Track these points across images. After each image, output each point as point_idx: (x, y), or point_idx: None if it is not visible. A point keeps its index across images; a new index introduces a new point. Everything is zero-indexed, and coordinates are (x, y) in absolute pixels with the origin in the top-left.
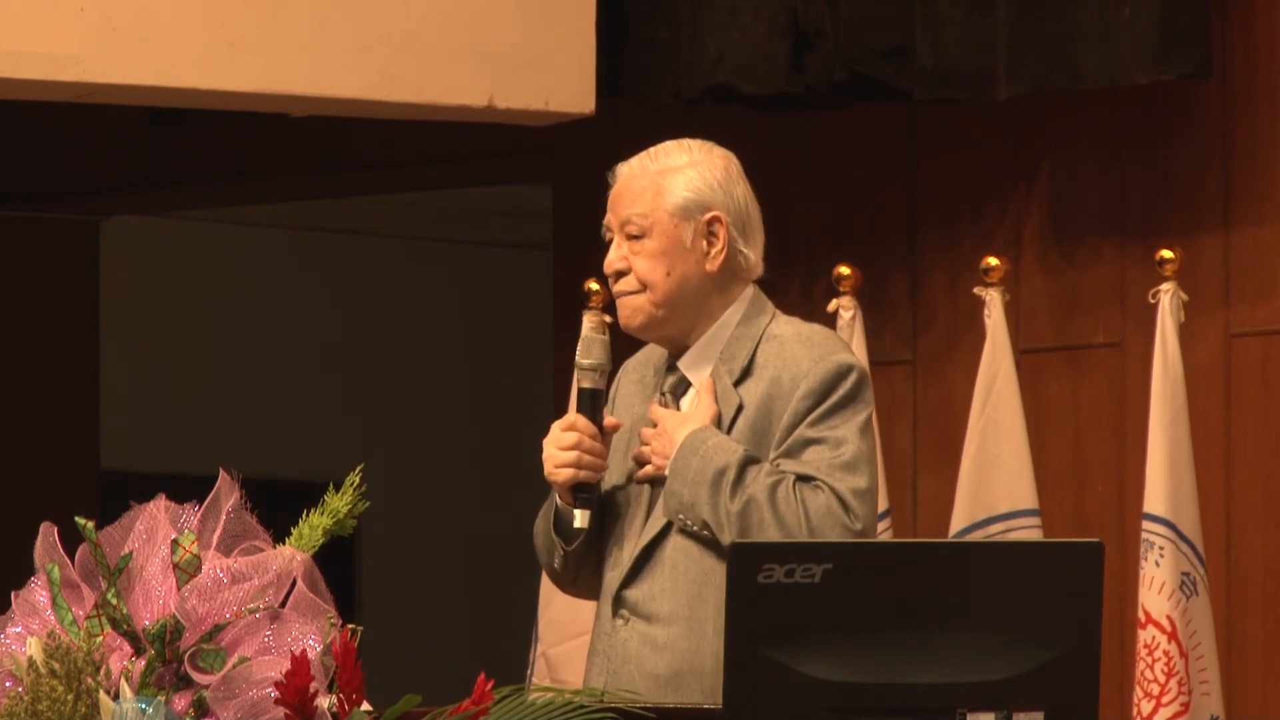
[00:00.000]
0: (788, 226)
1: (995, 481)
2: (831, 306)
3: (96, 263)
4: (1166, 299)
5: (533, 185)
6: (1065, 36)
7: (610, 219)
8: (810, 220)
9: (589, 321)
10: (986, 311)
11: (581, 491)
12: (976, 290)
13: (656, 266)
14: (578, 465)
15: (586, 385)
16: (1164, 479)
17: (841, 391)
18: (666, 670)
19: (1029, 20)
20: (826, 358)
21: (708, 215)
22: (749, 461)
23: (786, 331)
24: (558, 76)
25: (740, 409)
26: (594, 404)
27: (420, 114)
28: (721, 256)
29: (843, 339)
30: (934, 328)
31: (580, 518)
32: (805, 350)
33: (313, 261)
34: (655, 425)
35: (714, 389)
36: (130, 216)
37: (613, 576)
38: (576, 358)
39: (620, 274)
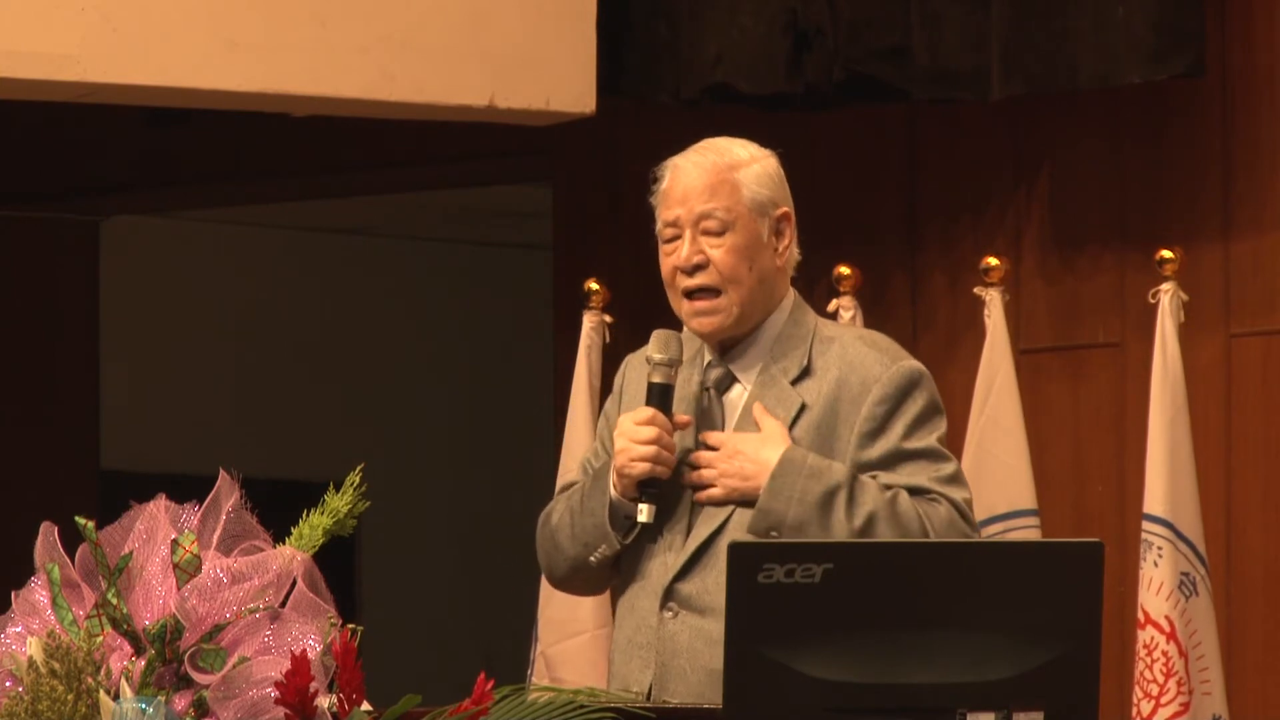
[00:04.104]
0: None
1: (995, 482)
2: (831, 306)
3: (96, 263)
4: (1166, 299)
5: (533, 185)
6: (1060, 36)
7: (679, 214)
8: (810, 220)
9: (588, 322)
10: (986, 311)
11: (650, 487)
12: (976, 290)
13: (741, 261)
14: (655, 460)
15: (658, 380)
16: (1164, 479)
17: (922, 402)
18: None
19: (1025, 20)
20: (897, 362)
21: (779, 211)
22: (855, 478)
23: (844, 333)
24: (558, 76)
25: (803, 409)
26: (664, 399)
27: (420, 114)
28: (786, 253)
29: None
30: (934, 328)
31: (646, 512)
32: (872, 353)
33: (313, 261)
34: (711, 447)
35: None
36: (130, 216)
37: (657, 569)
38: (649, 352)
39: (699, 268)
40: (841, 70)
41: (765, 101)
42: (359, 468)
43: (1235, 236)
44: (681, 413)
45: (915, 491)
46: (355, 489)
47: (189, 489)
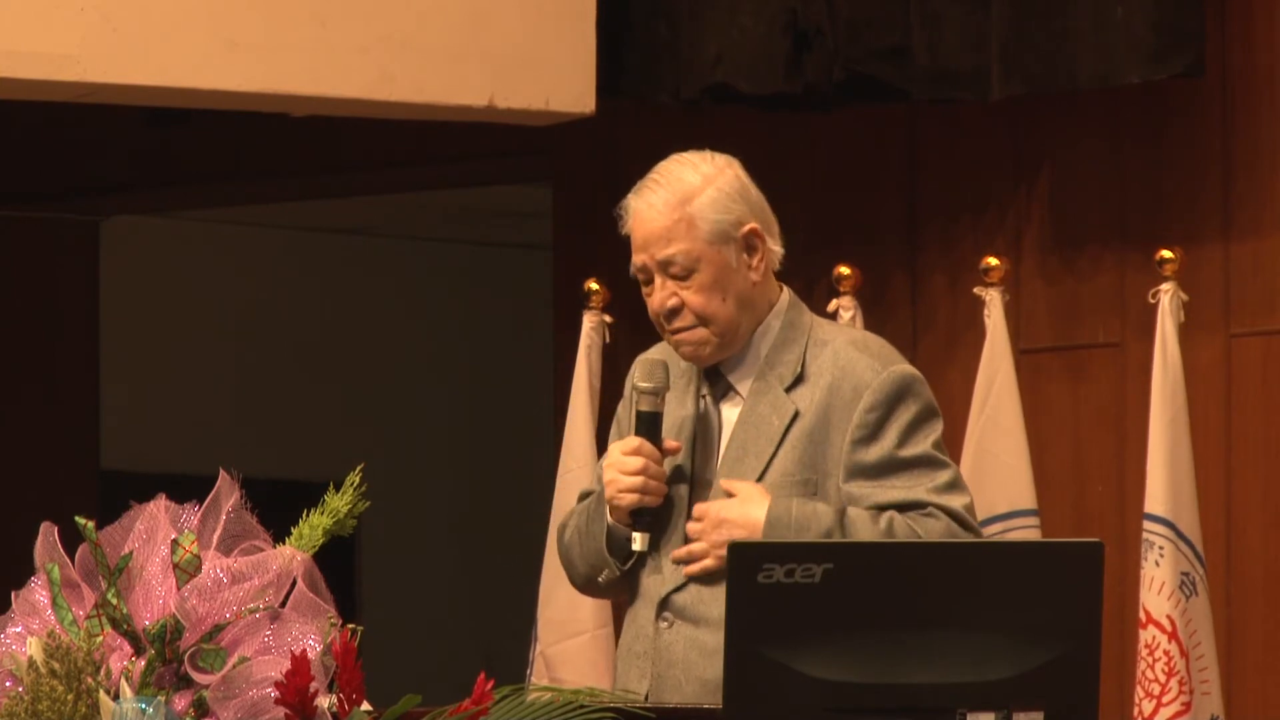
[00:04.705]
0: (788, 226)
1: (995, 482)
2: (831, 306)
3: (96, 263)
4: (1166, 299)
5: (533, 185)
6: (1060, 36)
7: (645, 260)
8: (810, 220)
9: (588, 322)
10: (986, 312)
11: (642, 515)
12: (976, 290)
13: (712, 298)
14: (643, 490)
15: (646, 409)
16: (1164, 479)
17: (915, 407)
18: (717, 676)
19: (1025, 20)
20: (888, 367)
21: (744, 230)
22: (844, 515)
23: (838, 336)
24: (558, 76)
25: (796, 416)
26: (653, 427)
27: (420, 114)
28: (763, 264)
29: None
30: (934, 328)
31: (640, 540)
32: (864, 358)
33: (313, 261)
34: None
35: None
36: (130, 216)
37: (655, 581)
38: (635, 380)
39: (674, 311)
40: (841, 70)
41: (765, 101)
42: (359, 468)
43: (1235, 236)
44: (683, 423)
45: (911, 506)
46: (355, 489)
47: (189, 489)
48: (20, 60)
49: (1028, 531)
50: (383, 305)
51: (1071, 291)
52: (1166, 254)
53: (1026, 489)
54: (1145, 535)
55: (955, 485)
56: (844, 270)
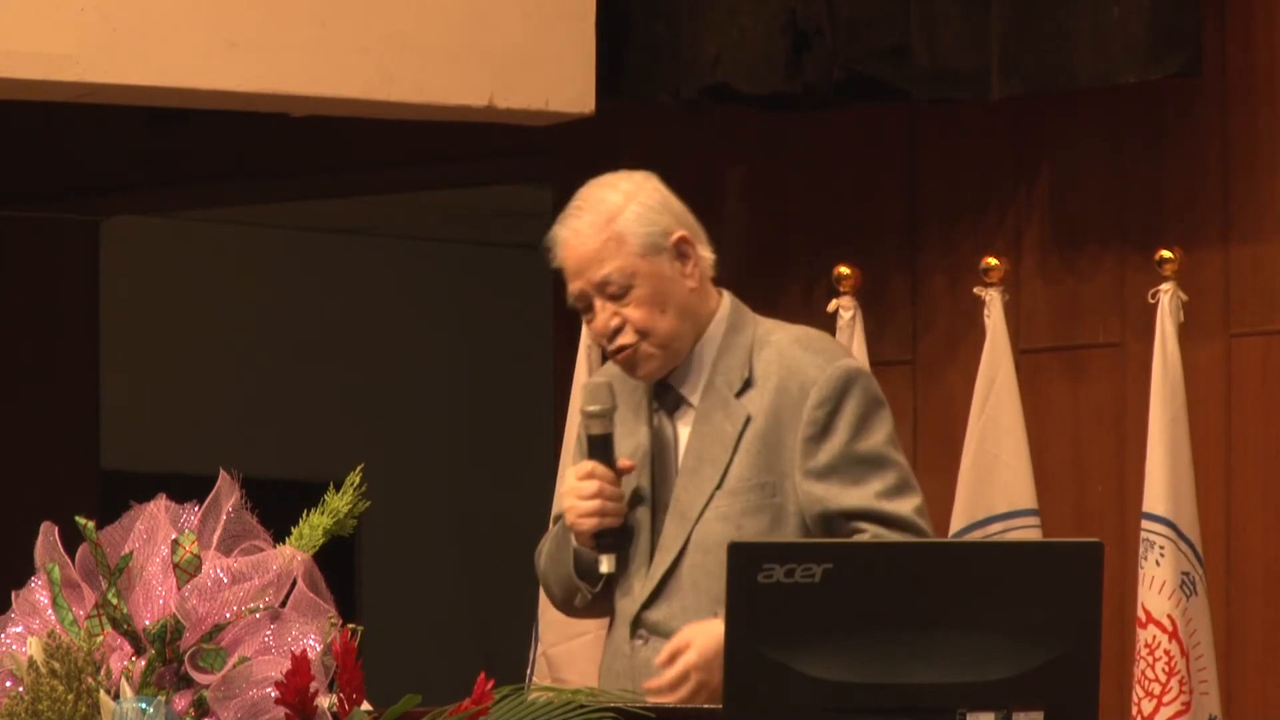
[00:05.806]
0: (788, 226)
1: (995, 481)
2: (831, 306)
3: (96, 263)
4: (1166, 299)
5: (533, 185)
6: (1057, 36)
7: (581, 286)
8: (810, 220)
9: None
10: (986, 312)
11: (605, 537)
12: (976, 290)
13: (652, 311)
14: (601, 513)
15: (596, 431)
16: (1164, 478)
17: (862, 400)
18: None
19: (1023, 20)
20: (832, 363)
21: (673, 238)
22: None
23: (780, 337)
24: (558, 76)
25: (749, 420)
26: (605, 449)
27: (420, 114)
28: (697, 271)
29: (837, 340)
30: (934, 328)
31: (606, 563)
32: (807, 356)
33: (313, 261)
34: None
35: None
36: (130, 216)
37: (627, 602)
38: (582, 405)
39: (618, 330)
40: (841, 70)
41: (765, 101)
42: (359, 468)
43: (1235, 237)
44: (638, 441)
45: (860, 515)
46: (355, 489)
47: (189, 489)
48: (20, 60)
49: (1028, 531)
50: (383, 305)
51: (1071, 291)
52: (1166, 254)
53: (1026, 489)
54: (1145, 535)
55: (904, 487)
56: (844, 270)
